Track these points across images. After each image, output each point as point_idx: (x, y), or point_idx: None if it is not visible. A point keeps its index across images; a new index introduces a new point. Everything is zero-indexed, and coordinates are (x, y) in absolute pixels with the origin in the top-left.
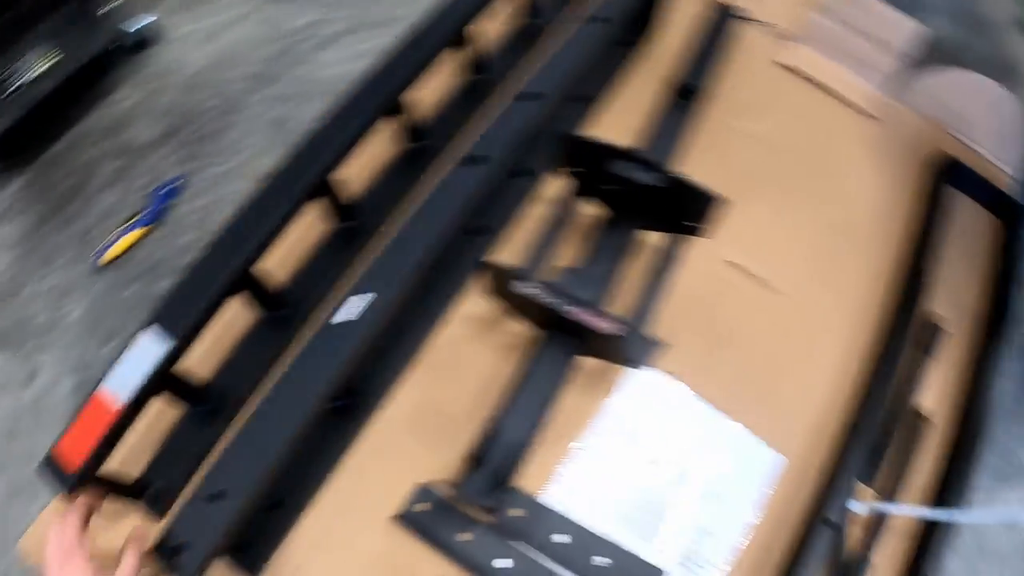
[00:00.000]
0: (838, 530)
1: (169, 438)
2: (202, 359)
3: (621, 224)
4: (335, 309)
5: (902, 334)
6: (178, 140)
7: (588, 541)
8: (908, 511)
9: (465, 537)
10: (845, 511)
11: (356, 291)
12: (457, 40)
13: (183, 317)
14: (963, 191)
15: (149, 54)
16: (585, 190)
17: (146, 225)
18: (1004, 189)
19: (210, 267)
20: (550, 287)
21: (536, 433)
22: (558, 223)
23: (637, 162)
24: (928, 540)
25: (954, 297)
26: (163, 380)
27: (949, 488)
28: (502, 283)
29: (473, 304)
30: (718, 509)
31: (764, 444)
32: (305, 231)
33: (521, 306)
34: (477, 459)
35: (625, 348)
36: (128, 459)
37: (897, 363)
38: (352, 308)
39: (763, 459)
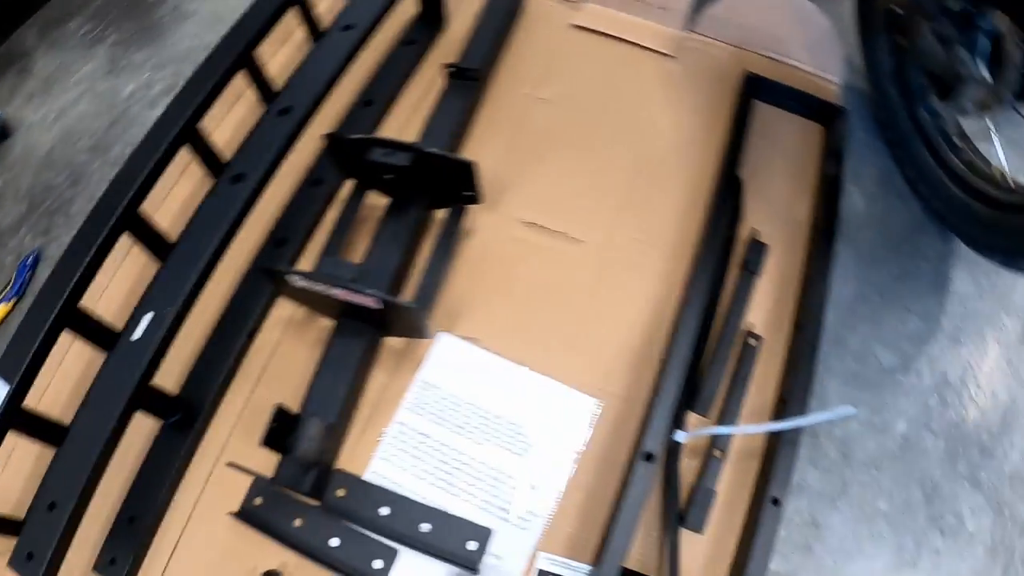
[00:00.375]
0: (672, 461)
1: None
2: (69, 402)
3: (403, 208)
4: (130, 329)
5: (721, 258)
6: (36, 216)
7: (410, 510)
8: (731, 431)
9: (297, 523)
10: (673, 443)
11: (146, 310)
12: (247, 65)
13: (19, 359)
14: (778, 106)
15: (7, 145)
16: (368, 184)
17: (13, 298)
18: (822, 96)
19: (38, 311)
20: (311, 276)
21: (347, 414)
22: (345, 219)
23: (387, 147)
24: (770, 459)
25: (778, 210)
26: (14, 419)
27: (788, 403)
28: (284, 283)
29: (283, 308)
30: (538, 461)
31: (577, 391)
32: (143, 270)
33: (311, 301)
34: (279, 448)
35: (411, 321)
36: (21, 501)
37: (718, 287)
38: (142, 326)
39: (579, 406)
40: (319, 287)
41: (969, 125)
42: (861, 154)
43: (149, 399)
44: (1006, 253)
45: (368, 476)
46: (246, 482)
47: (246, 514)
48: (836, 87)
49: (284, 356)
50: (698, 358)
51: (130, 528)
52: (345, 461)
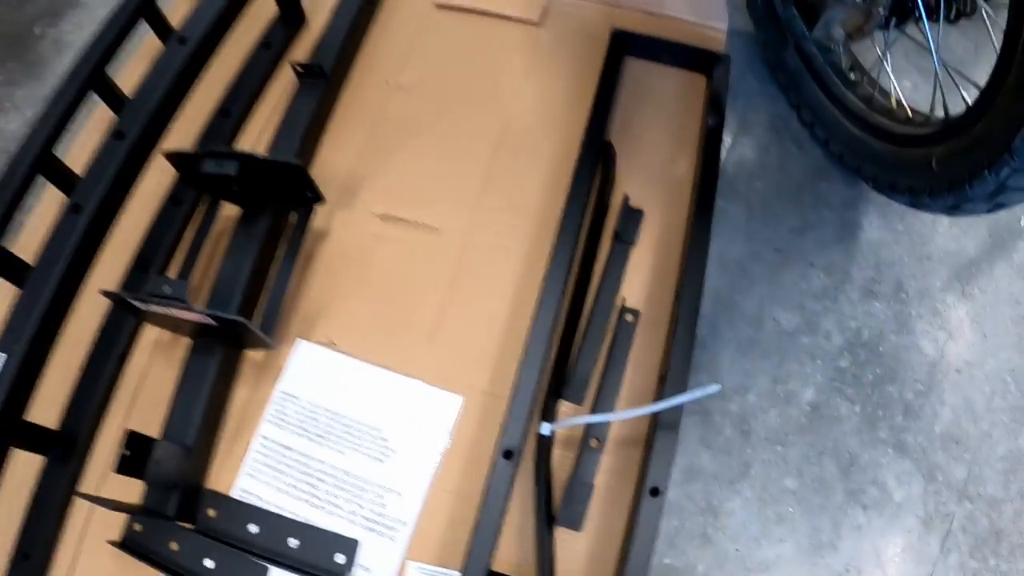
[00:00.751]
0: (542, 456)
1: None
2: None
3: (253, 218)
4: None
5: (592, 229)
6: None
7: (278, 526)
8: (588, 420)
9: (174, 547)
10: (540, 437)
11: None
12: (96, 86)
13: None
14: (655, 60)
15: None
16: (220, 196)
17: None
18: (707, 45)
19: None
20: (139, 298)
21: (208, 433)
22: (199, 235)
23: (216, 158)
24: (648, 447)
25: (656, 172)
26: None
27: (666, 383)
28: (133, 308)
29: (152, 331)
30: (402, 466)
31: (440, 389)
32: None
33: (166, 322)
34: (137, 474)
35: (249, 334)
36: None
37: (589, 262)
38: None
39: (442, 404)
40: (156, 308)
41: (863, 57)
42: (753, 102)
43: (21, 435)
44: (912, 192)
45: (236, 493)
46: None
47: (128, 542)
48: (721, 34)
49: (153, 380)
50: (568, 342)
51: (25, 565)
52: (215, 480)
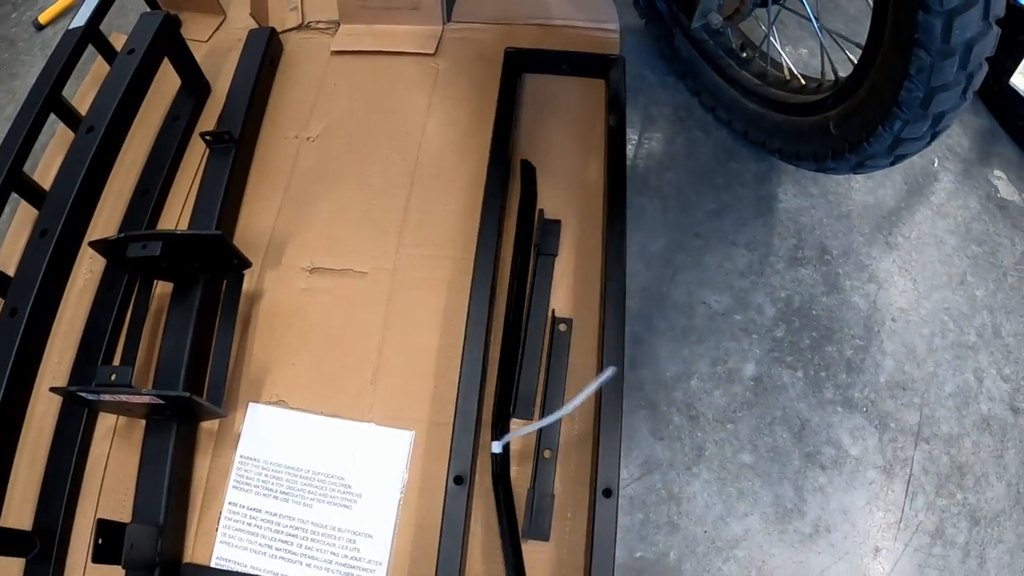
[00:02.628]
0: (499, 475)
1: None
2: None
3: (185, 293)
4: None
5: (519, 247)
6: None
7: None
8: (525, 431)
9: None
10: (495, 456)
11: None
12: (16, 186)
13: None
14: (553, 72)
15: None
16: (152, 276)
17: None
18: (605, 48)
19: None
20: (87, 390)
21: (178, 509)
22: (136, 318)
23: (139, 240)
24: (595, 450)
25: (570, 181)
26: None
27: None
28: (80, 399)
29: (107, 418)
30: (367, 508)
31: (389, 428)
32: None
33: (117, 408)
34: (114, 560)
35: (196, 406)
36: None
37: (522, 279)
38: None
39: (394, 442)
40: (107, 397)
41: (754, 33)
42: (655, 95)
43: None
44: (816, 158)
45: (215, 563)
46: None
47: None
48: (615, 35)
49: (117, 465)
50: (510, 360)
51: None
52: (193, 553)
